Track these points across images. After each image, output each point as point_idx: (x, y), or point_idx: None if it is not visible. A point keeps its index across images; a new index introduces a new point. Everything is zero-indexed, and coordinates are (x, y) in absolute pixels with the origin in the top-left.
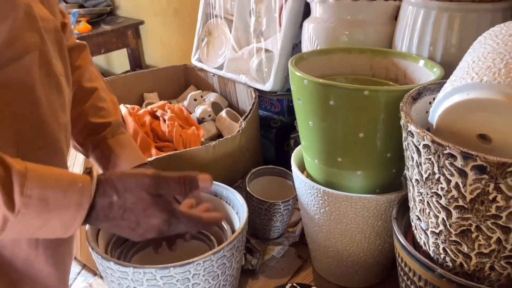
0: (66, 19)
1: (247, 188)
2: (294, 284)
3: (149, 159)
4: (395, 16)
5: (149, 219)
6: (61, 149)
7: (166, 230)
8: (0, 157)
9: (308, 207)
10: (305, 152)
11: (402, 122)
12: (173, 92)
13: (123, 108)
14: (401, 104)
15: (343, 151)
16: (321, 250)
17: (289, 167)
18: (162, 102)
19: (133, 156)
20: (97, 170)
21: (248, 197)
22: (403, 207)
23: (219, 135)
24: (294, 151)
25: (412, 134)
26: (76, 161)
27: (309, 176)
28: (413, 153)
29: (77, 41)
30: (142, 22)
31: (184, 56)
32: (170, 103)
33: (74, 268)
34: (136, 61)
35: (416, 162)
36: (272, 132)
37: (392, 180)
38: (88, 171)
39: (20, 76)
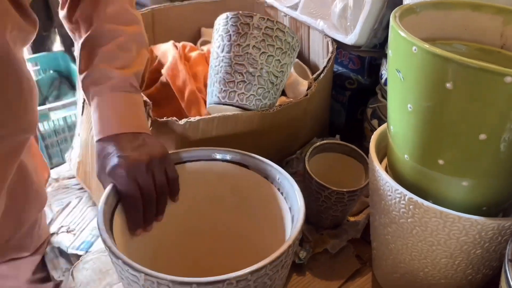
0: None
1: (307, 167)
2: None
3: (196, 118)
4: None
5: None
6: None
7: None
8: None
9: (383, 210)
10: (393, 141)
11: None
12: None
13: (172, 50)
14: None
15: (450, 151)
16: (389, 262)
17: (359, 141)
18: None
19: (118, 122)
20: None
21: (306, 176)
22: None
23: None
24: (375, 134)
25: None
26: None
27: (391, 171)
28: None
29: None
30: None
31: None
32: None
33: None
34: None
35: None
36: (345, 95)
37: (507, 198)
38: None
39: None
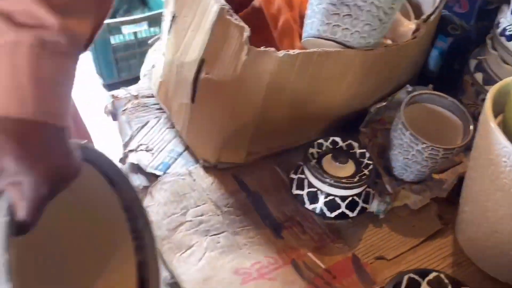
0: None
1: (402, 117)
2: (442, 275)
3: (296, 51)
4: None
5: None
6: None
7: None
8: None
9: (490, 175)
10: None
11: None
12: None
13: None
14: None
15: None
16: (481, 229)
17: (454, 94)
18: None
19: None
20: None
21: (398, 127)
22: None
23: None
24: (494, 89)
25: None
26: None
27: (507, 135)
28: None
29: None
30: None
31: None
32: None
33: (177, 147)
34: None
35: None
36: (446, 41)
37: None
38: None
39: None
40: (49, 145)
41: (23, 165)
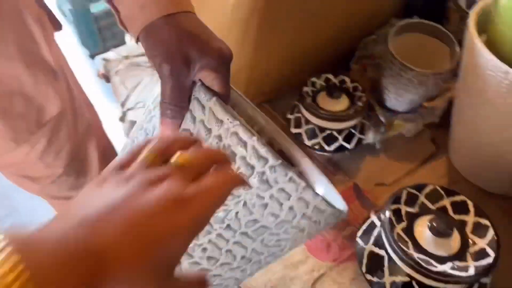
0: None
1: (389, 47)
2: (438, 188)
3: None
4: None
5: None
6: None
7: None
8: None
9: (477, 90)
10: (503, 17)
11: None
12: None
13: None
14: None
15: None
16: (472, 144)
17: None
18: None
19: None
20: None
21: (389, 58)
22: None
23: None
24: (476, 9)
25: None
26: None
27: (492, 53)
28: None
29: None
30: None
31: None
32: None
33: None
34: None
35: None
36: None
37: None
38: None
39: None
40: (206, 29)
41: (204, 50)
